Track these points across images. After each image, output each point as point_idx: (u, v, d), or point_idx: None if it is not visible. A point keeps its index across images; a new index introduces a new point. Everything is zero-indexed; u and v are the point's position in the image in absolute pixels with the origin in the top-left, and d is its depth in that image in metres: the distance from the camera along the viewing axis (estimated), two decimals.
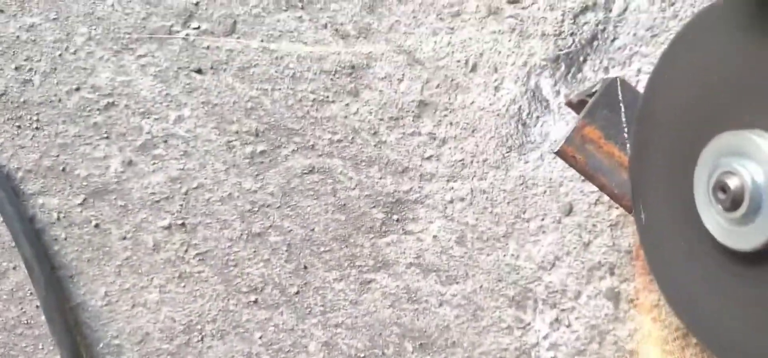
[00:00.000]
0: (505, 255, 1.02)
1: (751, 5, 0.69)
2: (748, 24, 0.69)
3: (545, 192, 1.00)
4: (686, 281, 0.80)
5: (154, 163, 1.00)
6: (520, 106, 0.99)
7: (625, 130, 0.88)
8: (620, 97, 0.88)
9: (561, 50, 1.00)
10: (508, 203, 1.01)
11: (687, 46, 0.79)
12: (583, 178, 0.97)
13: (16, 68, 0.99)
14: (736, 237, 0.70)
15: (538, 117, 1.00)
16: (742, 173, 0.68)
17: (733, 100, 0.72)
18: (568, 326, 1.02)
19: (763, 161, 0.66)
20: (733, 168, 0.69)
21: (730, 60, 0.73)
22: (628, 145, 0.88)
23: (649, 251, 0.85)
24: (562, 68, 1.00)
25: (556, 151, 0.86)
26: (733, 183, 0.68)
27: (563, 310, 1.02)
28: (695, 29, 0.77)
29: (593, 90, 0.90)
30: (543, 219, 1.00)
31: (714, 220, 0.72)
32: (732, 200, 0.68)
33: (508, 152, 1.00)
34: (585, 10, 1.01)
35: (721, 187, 0.69)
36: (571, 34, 1.00)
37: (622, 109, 0.88)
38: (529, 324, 1.02)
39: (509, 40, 1.00)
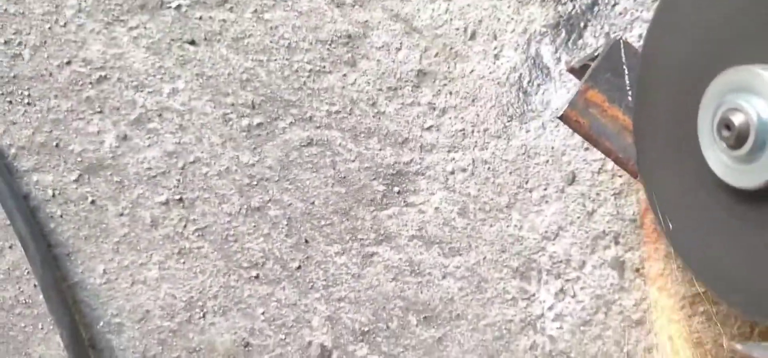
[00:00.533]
0: (508, 226, 1.01)
1: None
2: None
3: (548, 161, 0.99)
4: (690, 222, 0.80)
5: (149, 138, 1.00)
6: (521, 74, 0.98)
7: (629, 92, 0.86)
8: (624, 60, 0.86)
9: (561, 16, 0.99)
10: (511, 172, 1.00)
11: None
12: (586, 145, 0.96)
13: (5, 42, 0.98)
14: (741, 175, 0.69)
15: (539, 85, 0.99)
16: (747, 109, 0.67)
17: (737, 35, 0.71)
18: (573, 296, 1.02)
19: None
20: (737, 104, 0.68)
21: None
22: (631, 104, 0.87)
23: (653, 194, 0.85)
24: (563, 34, 0.99)
25: (559, 116, 0.85)
26: (737, 120, 0.67)
27: (568, 280, 1.01)
28: None
29: (596, 54, 0.88)
30: (546, 189, 1.00)
31: (718, 158, 0.71)
32: (736, 137, 0.68)
33: (509, 121, 0.99)
34: None
35: (726, 124, 0.69)
36: (572, 0, 0.98)
37: (626, 72, 0.87)
38: (533, 295, 1.02)
39: (508, 7, 0.99)
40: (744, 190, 0.70)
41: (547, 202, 1.00)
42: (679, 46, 0.78)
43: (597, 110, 0.85)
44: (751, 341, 0.80)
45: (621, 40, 0.85)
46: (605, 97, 0.86)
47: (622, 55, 0.87)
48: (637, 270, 0.99)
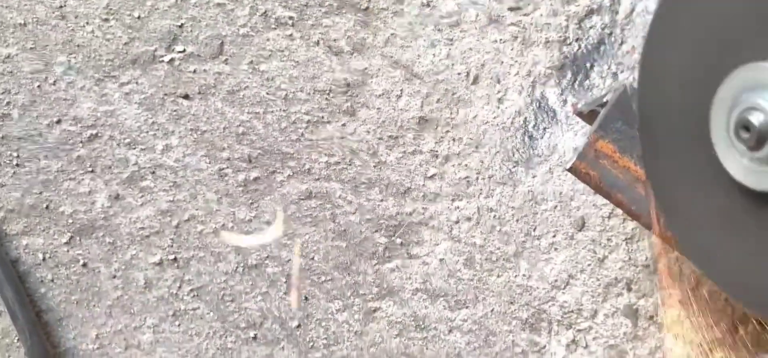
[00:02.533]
0: (516, 276, 1.02)
1: None
2: None
3: (556, 207, 1.00)
4: (710, 232, 0.79)
5: (142, 197, 1.02)
6: (526, 118, 0.99)
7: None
8: (634, 107, 0.84)
9: (566, 57, 1.00)
10: (517, 220, 1.01)
11: None
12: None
13: None
14: (762, 177, 0.69)
15: (545, 128, 1.00)
16: (766, 108, 0.67)
17: (744, 32, 0.71)
18: (586, 347, 1.03)
19: None
20: (755, 103, 0.67)
21: None
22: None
23: (665, 208, 0.84)
24: (569, 76, 1.00)
25: (568, 168, 0.83)
26: (757, 119, 0.67)
27: (579, 330, 1.02)
28: None
29: (604, 99, 0.86)
30: (554, 236, 1.00)
31: (737, 162, 0.71)
32: (757, 138, 0.67)
33: (514, 167, 1.00)
34: (590, 13, 1.00)
35: (744, 125, 0.68)
36: (577, 40, 1.00)
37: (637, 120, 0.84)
38: (544, 347, 1.03)
39: (511, 49, 1.00)
40: (764, 193, 0.70)
41: (556, 249, 1.01)
42: (681, 53, 0.77)
43: (607, 161, 0.84)
44: None
45: (628, 86, 0.83)
46: (616, 147, 0.85)
47: (632, 101, 0.84)
48: (652, 317, 1.01)
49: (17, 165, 1.00)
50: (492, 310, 1.01)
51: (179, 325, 1.02)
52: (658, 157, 0.84)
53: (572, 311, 1.00)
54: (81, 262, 1.02)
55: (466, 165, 0.99)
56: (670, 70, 0.79)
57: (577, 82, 0.98)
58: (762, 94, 0.67)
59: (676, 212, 0.83)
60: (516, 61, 0.98)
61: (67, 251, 1.02)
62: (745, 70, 0.69)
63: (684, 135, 0.78)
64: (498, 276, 1.00)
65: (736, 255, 0.76)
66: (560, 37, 0.99)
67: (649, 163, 0.85)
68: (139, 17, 0.96)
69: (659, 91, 0.82)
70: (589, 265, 0.99)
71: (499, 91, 0.98)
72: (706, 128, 0.73)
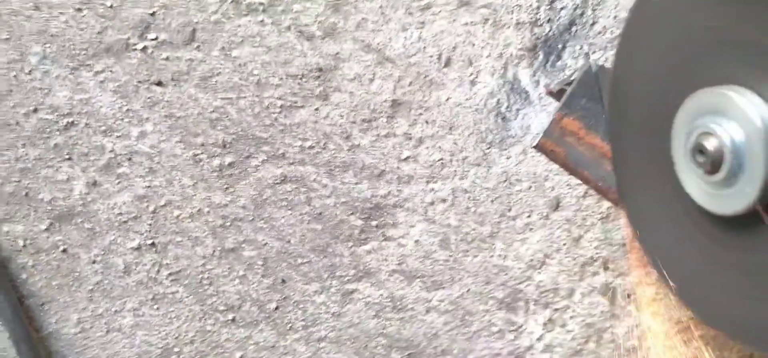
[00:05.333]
0: (492, 256, 1.06)
1: None
2: None
3: (530, 187, 1.04)
4: (672, 248, 0.81)
5: (119, 183, 1.06)
6: (499, 100, 1.02)
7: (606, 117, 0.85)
8: (600, 84, 0.84)
9: (538, 38, 1.03)
10: (492, 201, 1.04)
11: (653, 3, 0.79)
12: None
13: None
14: (719, 201, 0.70)
15: (518, 110, 1.03)
16: (719, 133, 0.67)
17: (705, 55, 0.71)
18: (563, 326, 1.08)
19: (742, 119, 0.66)
20: (710, 128, 0.68)
21: (699, 13, 0.72)
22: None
23: (635, 223, 0.86)
24: (541, 57, 1.03)
25: (534, 145, 0.84)
26: (710, 144, 0.67)
27: (557, 309, 1.07)
28: None
29: (572, 78, 0.87)
30: (529, 216, 1.04)
31: (695, 184, 0.72)
32: (712, 163, 0.68)
33: (488, 148, 1.03)
34: None
35: (699, 149, 0.69)
36: (548, 21, 1.03)
37: (603, 97, 0.85)
38: (521, 326, 1.08)
39: (483, 31, 1.03)
40: (724, 216, 0.71)
41: (531, 229, 1.05)
42: (649, 67, 0.79)
43: (573, 139, 0.85)
44: None
45: (595, 64, 0.84)
46: (582, 124, 0.86)
47: (598, 79, 0.85)
48: (629, 296, 1.04)
49: None
50: (468, 290, 1.05)
51: (158, 308, 1.06)
52: (631, 177, 0.86)
53: (549, 291, 1.04)
54: (61, 248, 1.05)
55: (439, 147, 1.03)
56: (636, 87, 0.81)
57: (549, 63, 1.02)
58: (716, 120, 0.68)
59: (642, 224, 0.85)
60: (488, 43, 1.02)
61: (47, 237, 1.05)
62: (700, 95, 0.70)
63: (653, 152, 0.79)
64: (474, 257, 1.05)
65: (703, 277, 0.78)
66: (531, 18, 1.01)
67: (621, 181, 0.87)
68: (111, 6, 1.00)
69: (626, 107, 0.84)
70: (564, 244, 1.04)
71: (471, 74, 1.01)
72: (668, 147, 0.75)
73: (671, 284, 0.83)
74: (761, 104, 0.66)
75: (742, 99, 0.67)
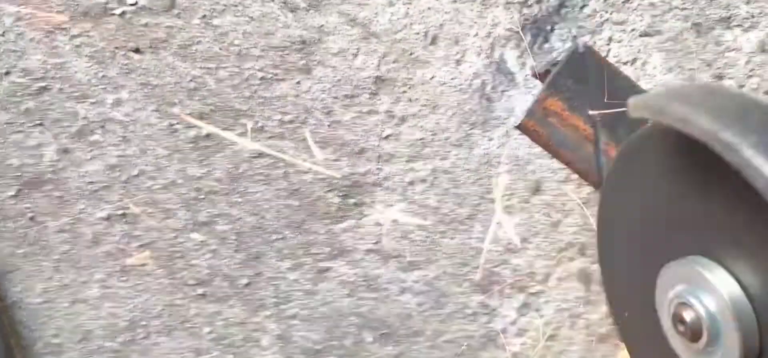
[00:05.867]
0: (470, 238, 1.07)
1: (673, 137, 0.70)
2: (675, 153, 0.72)
3: (511, 170, 1.04)
4: None
5: (91, 151, 1.05)
6: (484, 80, 1.02)
7: (591, 100, 0.85)
8: (586, 65, 0.85)
9: (527, 19, 1.04)
10: (473, 182, 1.05)
11: (625, 175, 0.83)
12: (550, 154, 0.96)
13: None
14: None
15: (502, 91, 1.03)
16: (695, 305, 0.70)
17: (672, 228, 0.75)
18: (537, 310, 1.09)
19: (712, 290, 0.68)
20: (687, 299, 0.71)
21: (661, 189, 0.76)
22: (595, 123, 0.86)
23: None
24: (528, 38, 1.04)
25: (516, 125, 0.84)
26: (688, 316, 0.70)
27: (532, 294, 1.08)
28: (629, 157, 0.81)
29: (557, 59, 0.87)
30: (509, 199, 1.05)
31: (681, 347, 0.75)
32: (692, 333, 0.71)
33: (471, 129, 1.04)
34: None
35: (680, 319, 0.72)
36: (538, 2, 1.04)
37: (588, 78, 0.85)
38: (495, 310, 1.09)
39: (471, 10, 1.03)
40: None
41: (510, 213, 1.06)
42: (628, 230, 0.82)
43: (556, 119, 0.87)
44: None
45: (582, 45, 0.85)
46: (565, 105, 0.88)
47: (585, 60, 0.86)
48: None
49: None
50: (444, 272, 1.08)
51: (127, 281, 1.07)
52: (625, 320, 0.87)
53: (525, 275, 1.07)
54: (28, 215, 1.06)
55: (422, 126, 1.05)
56: (624, 238, 0.84)
57: (536, 45, 1.04)
58: (692, 291, 0.70)
59: None
60: (475, 23, 1.02)
61: (14, 204, 1.05)
62: (675, 265, 0.73)
63: (642, 305, 0.81)
64: (451, 238, 1.08)
65: None
66: None
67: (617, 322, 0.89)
68: None
69: (615, 269, 0.86)
70: (543, 228, 1.06)
71: (457, 53, 1.02)
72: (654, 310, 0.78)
73: None
74: (727, 278, 0.68)
75: (711, 274, 0.69)
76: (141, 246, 1.07)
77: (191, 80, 1.03)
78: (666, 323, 0.76)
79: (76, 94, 1.03)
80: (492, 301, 1.08)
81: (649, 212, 0.79)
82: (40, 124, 1.04)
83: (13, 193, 1.05)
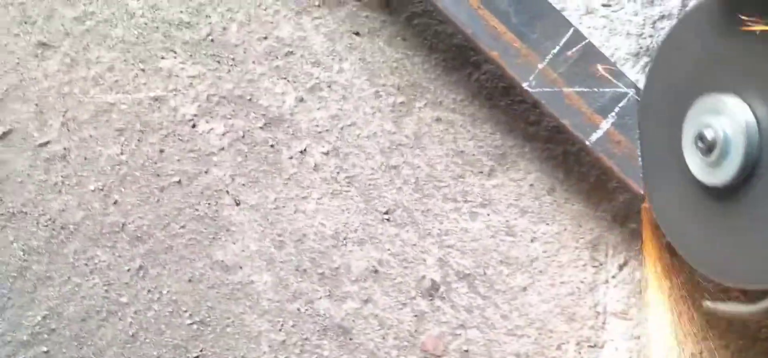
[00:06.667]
0: (586, 207, 1.24)
1: (718, 10, 0.87)
2: (718, 20, 0.87)
3: None
4: (677, 211, 0.99)
5: (319, 103, 1.25)
6: None
7: None
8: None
9: (641, 47, 1.21)
10: (593, 164, 1.23)
11: (677, 37, 0.97)
12: None
13: (220, 16, 1.25)
14: (711, 175, 0.88)
15: None
16: (715, 127, 0.85)
17: (711, 72, 0.89)
18: (633, 270, 1.23)
19: (731, 116, 0.83)
20: (709, 123, 0.86)
21: (707, 45, 0.90)
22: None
23: (651, 191, 1.04)
24: (642, 62, 1.22)
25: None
26: (709, 134, 0.86)
27: (630, 255, 1.23)
28: (683, 26, 0.96)
29: None
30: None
31: (694, 162, 0.90)
32: (708, 148, 0.86)
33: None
34: (662, 17, 1.22)
35: (700, 137, 0.87)
36: (650, 36, 1.22)
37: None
38: (602, 264, 1.24)
39: (600, 35, 1.22)
40: (712, 187, 0.89)
41: (620, 191, 1.22)
42: (673, 76, 0.96)
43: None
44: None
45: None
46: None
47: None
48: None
49: (232, 65, 1.23)
50: (565, 229, 1.24)
51: (334, 201, 1.24)
52: (652, 158, 1.03)
53: (627, 240, 1.24)
54: (270, 143, 1.23)
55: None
56: (664, 88, 0.99)
57: (647, 67, 1.19)
58: (714, 117, 0.86)
59: (657, 196, 1.03)
60: (603, 45, 1.20)
61: (262, 132, 1.23)
62: (705, 98, 0.89)
63: (667, 132, 0.98)
64: (573, 205, 1.24)
65: (693, 232, 0.95)
66: (638, 31, 1.22)
67: (643, 159, 1.04)
68: None
69: (655, 103, 1.02)
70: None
71: None
72: (680, 135, 0.93)
73: (668, 236, 1.02)
74: (746, 109, 0.82)
75: (733, 104, 0.84)
76: (347, 177, 1.23)
77: (394, 61, 1.24)
78: (687, 142, 0.90)
79: (312, 60, 1.23)
80: (599, 256, 1.21)
81: (694, 61, 0.91)
82: (285, 79, 1.23)
83: (261, 124, 1.23)
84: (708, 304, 0.96)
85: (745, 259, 0.86)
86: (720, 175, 0.87)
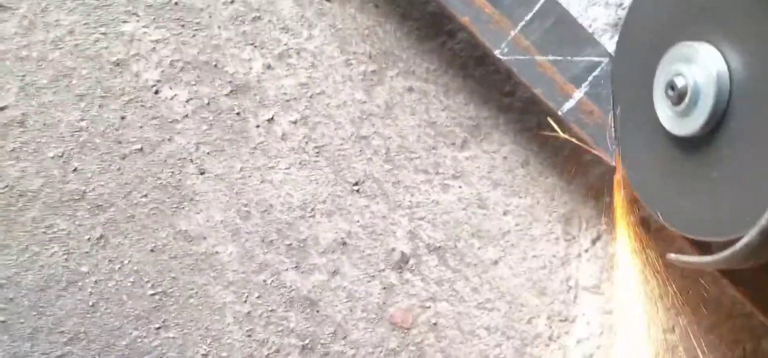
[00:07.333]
0: (560, 181, 1.26)
1: None
2: None
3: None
4: (645, 163, 0.99)
5: (287, 70, 1.24)
6: None
7: None
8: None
9: (619, 18, 1.22)
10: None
11: None
12: None
13: None
14: (679, 125, 0.88)
15: None
16: (686, 75, 0.85)
17: (686, 19, 0.89)
18: (605, 244, 1.27)
19: (702, 65, 0.83)
20: (681, 71, 0.86)
21: None
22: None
23: (623, 150, 1.04)
24: None
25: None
26: (679, 82, 0.85)
27: (603, 229, 1.27)
28: None
29: None
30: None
31: (664, 113, 0.90)
32: (678, 96, 0.86)
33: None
34: None
35: (671, 85, 0.87)
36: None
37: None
38: (574, 237, 1.26)
39: (579, 4, 1.23)
40: (681, 137, 0.89)
41: (596, 163, 1.22)
42: (647, 23, 0.96)
43: None
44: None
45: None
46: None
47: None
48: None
49: (197, 29, 1.21)
50: (538, 202, 1.26)
51: (303, 171, 1.23)
52: (620, 100, 1.04)
53: (600, 215, 1.24)
54: (236, 111, 1.22)
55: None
56: (639, 35, 0.98)
57: None
58: (686, 65, 0.85)
59: (629, 151, 1.03)
60: (580, 16, 1.19)
61: (227, 100, 1.22)
62: (678, 46, 0.88)
63: (638, 85, 0.98)
64: (546, 178, 1.25)
65: (662, 184, 0.96)
66: (618, 2, 1.22)
67: (614, 110, 1.04)
68: None
69: (628, 56, 1.02)
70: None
71: None
72: (651, 84, 0.93)
73: (637, 191, 1.02)
74: (718, 58, 0.82)
75: (705, 51, 0.83)
76: (315, 147, 1.23)
77: (366, 29, 1.23)
78: (658, 92, 0.90)
79: (281, 25, 1.22)
80: (572, 230, 1.23)
81: (668, 8, 0.91)
82: (252, 45, 1.22)
83: (226, 92, 1.21)
84: (670, 255, 0.96)
85: (712, 211, 0.87)
86: (689, 125, 0.86)
